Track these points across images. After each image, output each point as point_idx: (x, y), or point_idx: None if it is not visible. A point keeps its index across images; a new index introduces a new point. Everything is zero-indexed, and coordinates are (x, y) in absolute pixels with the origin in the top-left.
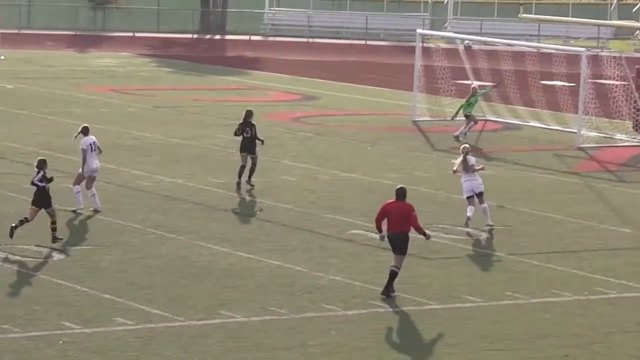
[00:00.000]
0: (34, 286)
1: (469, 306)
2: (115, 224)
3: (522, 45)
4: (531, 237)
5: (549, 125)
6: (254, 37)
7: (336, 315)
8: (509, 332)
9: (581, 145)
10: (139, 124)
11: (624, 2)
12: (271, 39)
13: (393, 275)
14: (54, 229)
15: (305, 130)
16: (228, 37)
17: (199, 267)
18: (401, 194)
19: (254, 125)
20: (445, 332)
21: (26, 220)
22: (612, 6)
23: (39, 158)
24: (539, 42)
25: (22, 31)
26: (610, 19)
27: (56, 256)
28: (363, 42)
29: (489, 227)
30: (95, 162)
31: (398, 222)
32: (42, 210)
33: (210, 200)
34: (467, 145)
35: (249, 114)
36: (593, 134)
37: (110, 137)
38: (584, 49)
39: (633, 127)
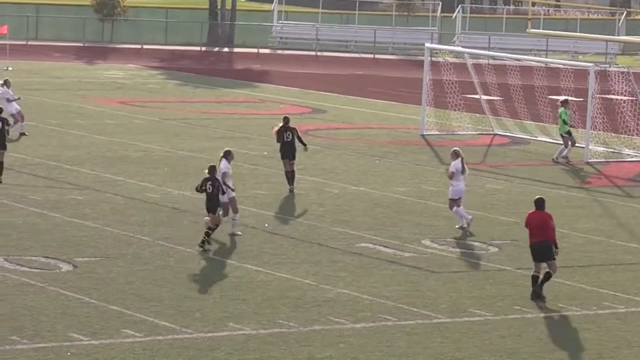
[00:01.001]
0: (41, 297)
1: (477, 320)
2: (123, 236)
3: (530, 60)
4: None
5: (557, 140)
6: (262, 50)
7: (344, 329)
8: (517, 346)
9: (589, 160)
10: (146, 136)
11: (632, 18)
12: (279, 52)
13: (547, 276)
14: (207, 234)
15: (314, 143)
16: (236, 50)
17: (207, 279)
18: (539, 204)
19: (294, 129)
20: (453, 345)
21: (210, 229)
22: (620, 22)
23: (210, 165)
24: (547, 57)
25: (29, 42)
26: (618, 35)
27: (64, 267)
28: (371, 55)
29: (462, 229)
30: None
31: (537, 231)
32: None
33: None
34: (458, 148)
35: (287, 120)
36: (601, 149)
37: (117, 149)
38: (591, 64)
39: None
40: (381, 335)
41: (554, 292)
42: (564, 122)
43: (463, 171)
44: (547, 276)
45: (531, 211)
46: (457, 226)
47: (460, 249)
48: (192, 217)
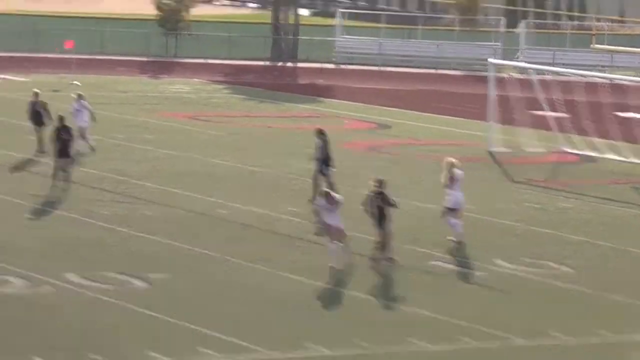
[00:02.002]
0: (117, 314)
1: (554, 343)
2: (194, 252)
3: (595, 76)
4: (613, 272)
5: (626, 158)
6: (325, 65)
7: (421, 351)
8: None
9: None
10: (212, 150)
11: None
12: (343, 67)
13: None
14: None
15: (381, 159)
16: (300, 64)
17: (279, 297)
18: None
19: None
20: None
21: (380, 244)
22: None
23: (379, 178)
24: (612, 73)
25: (95, 57)
26: None
27: (138, 284)
28: (434, 70)
29: (454, 243)
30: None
31: None
32: None
33: (288, 228)
34: (452, 159)
35: (321, 130)
36: None
37: (183, 164)
38: None
39: None
40: (461, 357)
41: (634, 314)
42: None
43: (455, 182)
44: None
45: None
46: (448, 238)
47: (532, 268)
48: (261, 233)
